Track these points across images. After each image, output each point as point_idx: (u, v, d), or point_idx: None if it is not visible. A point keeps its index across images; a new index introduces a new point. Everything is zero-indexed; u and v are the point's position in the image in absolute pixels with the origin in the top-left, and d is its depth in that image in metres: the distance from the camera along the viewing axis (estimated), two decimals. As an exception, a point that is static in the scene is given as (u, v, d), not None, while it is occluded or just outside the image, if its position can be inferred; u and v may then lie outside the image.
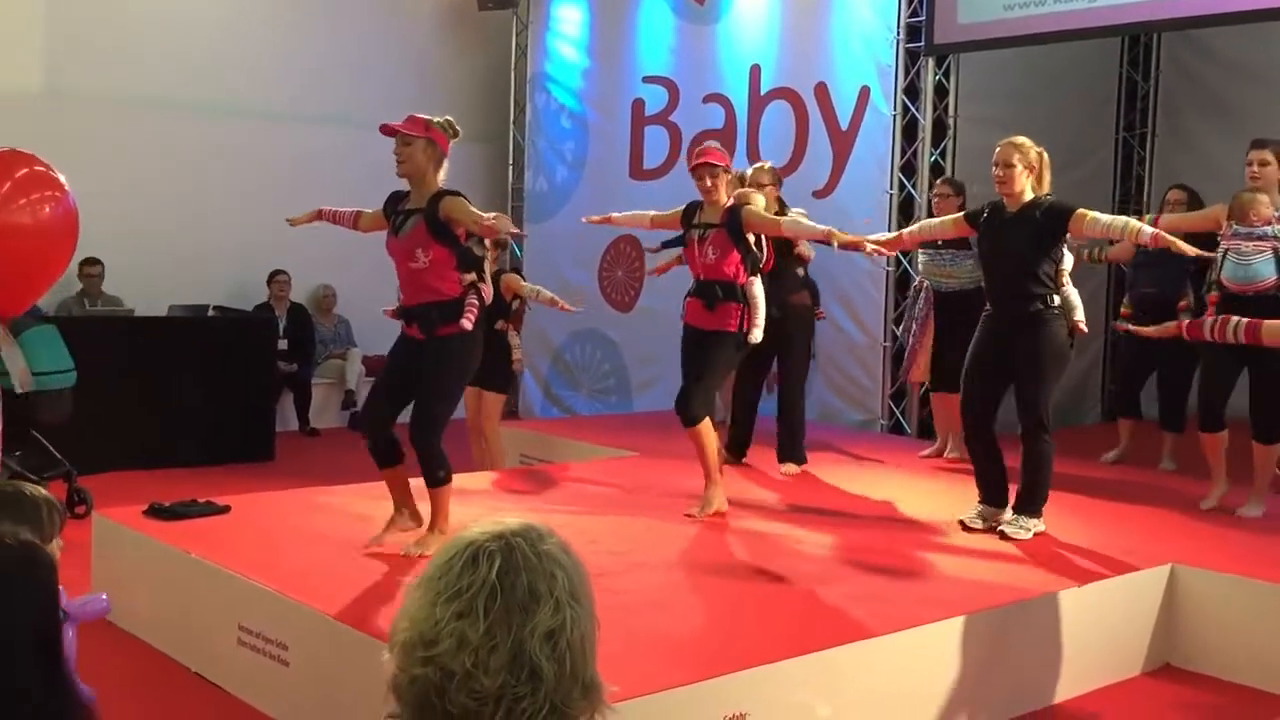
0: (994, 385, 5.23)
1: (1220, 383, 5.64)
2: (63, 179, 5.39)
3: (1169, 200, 6.70)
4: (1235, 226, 5.50)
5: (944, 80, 8.08)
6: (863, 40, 8.28)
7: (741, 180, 6.13)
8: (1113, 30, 7.85)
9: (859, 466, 6.86)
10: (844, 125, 8.38)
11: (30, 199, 5.29)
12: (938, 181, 7.22)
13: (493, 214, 4.43)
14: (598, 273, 10.09)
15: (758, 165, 6.68)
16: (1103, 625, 4.51)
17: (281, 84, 10.14)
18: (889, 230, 7.15)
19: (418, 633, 1.42)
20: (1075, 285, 5.39)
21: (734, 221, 5.28)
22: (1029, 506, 5.17)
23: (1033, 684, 4.31)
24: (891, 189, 8.07)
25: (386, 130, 4.54)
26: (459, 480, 4.87)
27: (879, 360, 8.23)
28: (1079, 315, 5.24)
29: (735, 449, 6.69)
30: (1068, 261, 5.26)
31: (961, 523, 5.30)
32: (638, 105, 9.85)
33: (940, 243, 6.39)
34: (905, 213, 7.92)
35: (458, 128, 4.63)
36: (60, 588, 2.07)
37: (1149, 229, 4.93)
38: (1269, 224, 5.43)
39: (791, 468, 6.57)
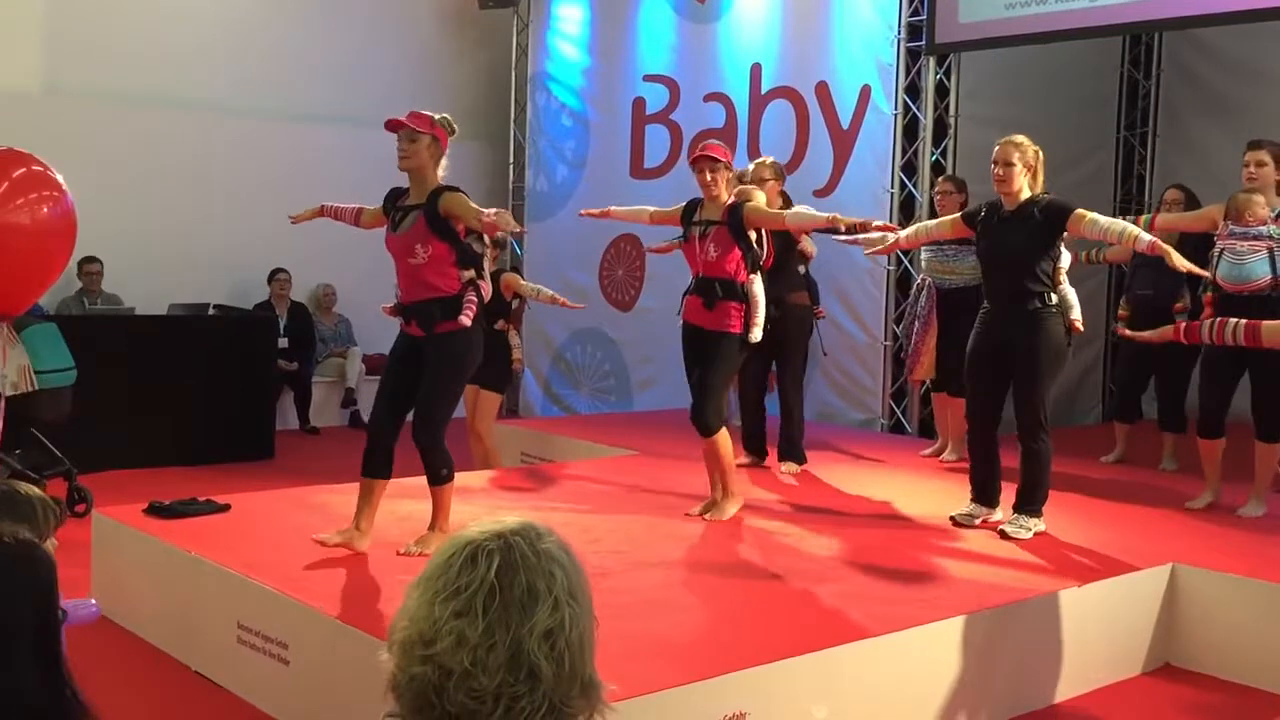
0: (995, 384, 5.24)
1: (1219, 387, 5.64)
2: (60, 178, 5.38)
3: (1166, 200, 6.72)
4: (1231, 226, 5.51)
5: (945, 79, 8.07)
6: (864, 39, 8.27)
7: (740, 179, 6.12)
8: (1114, 30, 7.85)
9: (860, 466, 6.86)
10: (845, 124, 8.37)
11: (28, 199, 5.28)
12: (940, 179, 7.22)
13: (494, 209, 4.43)
14: (598, 272, 10.09)
15: (759, 160, 6.67)
16: (1103, 625, 4.50)
17: (282, 83, 10.13)
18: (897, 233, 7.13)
19: (416, 631, 1.42)
20: (1074, 285, 5.40)
21: (735, 218, 5.26)
22: (1029, 506, 5.18)
23: (1033, 684, 4.30)
24: (892, 188, 8.07)
25: (393, 125, 4.53)
26: (459, 479, 4.86)
27: (880, 359, 8.23)
28: (1076, 314, 5.25)
29: (753, 450, 6.66)
30: (1065, 260, 5.28)
31: (953, 519, 5.34)
32: (638, 104, 9.84)
33: (944, 241, 6.39)
34: (906, 212, 7.91)
35: (455, 125, 4.63)
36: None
37: (1146, 237, 4.92)
38: (1264, 224, 5.44)
39: (792, 467, 6.57)
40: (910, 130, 8.09)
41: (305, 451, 8.88)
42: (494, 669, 1.39)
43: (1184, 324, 5.29)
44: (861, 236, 5.47)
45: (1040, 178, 5.15)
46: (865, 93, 8.23)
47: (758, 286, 5.32)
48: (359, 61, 10.46)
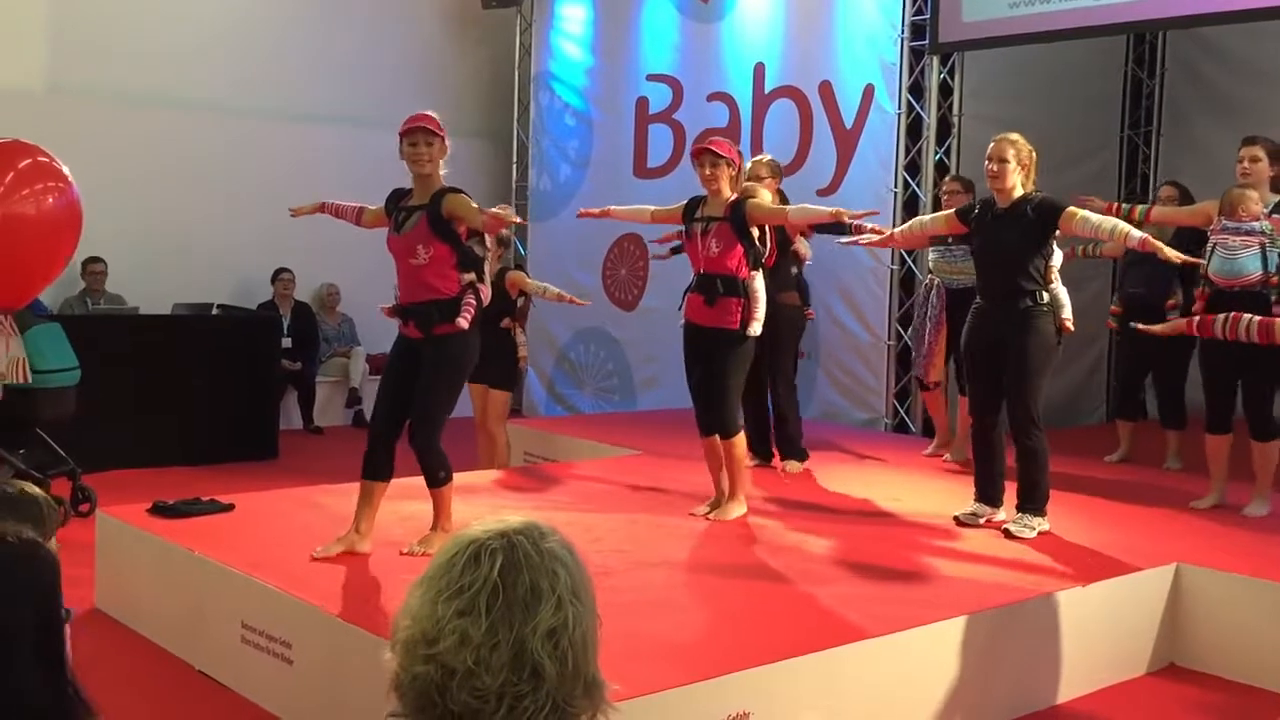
0: (991, 382, 5.27)
1: (1221, 383, 5.64)
2: (66, 170, 5.36)
3: (1161, 197, 6.79)
4: (1224, 221, 5.53)
5: (948, 79, 8.07)
6: (867, 38, 8.27)
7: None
8: (1117, 29, 7.84)
9: (863, 465, 6.85)
10: (848, 124, 8.36)
11: (34, 189, 5.26)
12: (946, 179, 7.21)
13: (494, 208, 4.43)
14: (601, 271, 10.09)
15: (756, 159, 6.66)
16: (1107, 625, 4.50)
17: (285, 82, 10.14)
18: (891, 228, 7.13)
19: (420, 630, 1.42)
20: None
21: (738, 215, 5.26)
22: (1031, 505, 5.19)
23: (1037, 684, 4.30)
24: (896, 188, 8.06)
25: (416, 126, 4.50)
26: (462, 478, 4.87)
27: (883, 359, 8.22)
28: (1067, 313, 5.28)
29: (758, 451, 6.63)
30: (1057, 258, 5.31)
31: (956, 518, 5.34)
32: (642, 103, 9.84)
33: (950, 239, 6.40)
34: (910, 211, 7.89)
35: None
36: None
37: (1137, 233, 4.94)
38: (1257, 220, 5.45)
39: (795, 465, 6.57)
40: (914, 130, 8.08)
41: (309, 451, 8.88)
42: (497, 668, 1.39)
43: (1197, 318, 5.28)
44: (861, 239, 5.58)
45: (1033, 176, 5.19)
46: (869, 92, 8.23)
47: (759, 283, 5.32)
48: (363, 61, 10.47)
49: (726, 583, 4.47)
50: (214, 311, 9.08)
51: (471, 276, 4.56)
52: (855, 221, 5.48)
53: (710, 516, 5.37)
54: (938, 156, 8.01)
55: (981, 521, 5.29)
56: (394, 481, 4.77)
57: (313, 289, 10.34)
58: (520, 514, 1.53)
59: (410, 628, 1.43)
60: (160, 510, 5.10)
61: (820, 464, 6.68)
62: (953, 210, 5.61)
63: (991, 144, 5.19)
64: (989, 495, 5.36)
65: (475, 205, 4.46)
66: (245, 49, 9.95)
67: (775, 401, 6.62)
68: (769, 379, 6.61)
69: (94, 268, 9.03)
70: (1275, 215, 5.51)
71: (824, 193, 8.29)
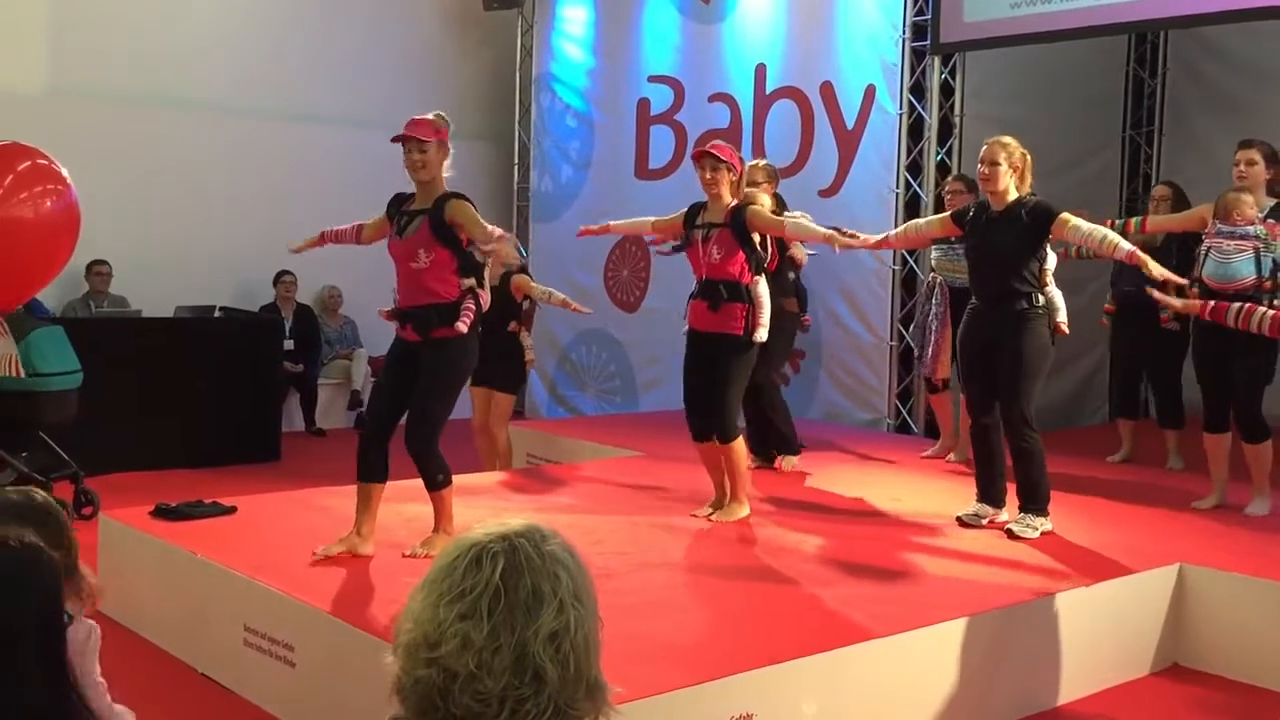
0: (987, 383, 5.28)
1: (1216, 381, 5.64)
2: (65, 172, 5.34)
3: (1155, 196, 6.80)
4: (1219, 225, 5.53)
5: (950, 79, 8.06)
6: (868, 39, 8.27)
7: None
8: (1119, 28, 7.84)
9: (865, 466, 6.85)
10: (849, 124, 8.36)
11: (32, 192, 5.24)
12: (949, 179, 7.20)
13: (499, 233, 4.41)
14: (603, 273, 10.09)
15: (753, 163, 6.63)
16: (1111, 625, 4.49)
17: (287, 84, 10.15)
18: (892, 229, 7.14)
19: (421, 634, 1.42)
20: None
21: (739, 220, 5.25)
22: (1033, 505, 5.20)
23: (1041, 684, 4.29)
24: (897, 188, 8.05)
25: (403, 138, 4.49)
26: (465, 480, 4.87)
27: (885, 359, 8.22)
28: (1061, 316, 5.30)
29: (758, 453, 6.63)
30: (1051, 261, 5.33)
31: (959, 519, 5.34)
32: (643, 105, 9.84)
33: (954, 238, 6.40)
34: (911, 212, 7.89)
35: (448, 119, 4.62)
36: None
37: (1125, 246, 4.96)
38: (1252, 224, 5.45)
39: (791, 460, 6.57)
40: (915, 130, 8.08)
41: (311, 453, 8.88)
42: (499, 672, 1.39)
43: (1212, 302, 5.25)
44: (854, 242, 5.55)
45: (1028, 179, 5.21)
46: (870, 93, 8.22)
47: (762, 288, 5.32)
48: (364, 62, 10.47)
49: (729, 584, 4.47)
50: (216, 314, 9.09)
51: (471, 282, 4.56)
52: (844, 248, 5.45)
53: (713, 518, 5.37)
54: (939, 157, 8.01)
55: (984, 522, 5.30)
56: (397, 483, 4.77)
57: (315, 291, 10.34)
58: (522, 516, 1.53)
59: (412, 631, 1.43)
60: (162, 513, 5.11)
61: (822, 465, 6.68)
62: (948, 214, 5.64)
63: (983, 147, 5.23)
64: (990, 495, 5.37)
65: (481, 219, 4.45)
66: (245, 50, 9.95)
67: (766, 404, 6.62)
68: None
69: (99, 270, 9.04)
70: (1270, 220, 5.50)
71: (826, 193, 8.29)
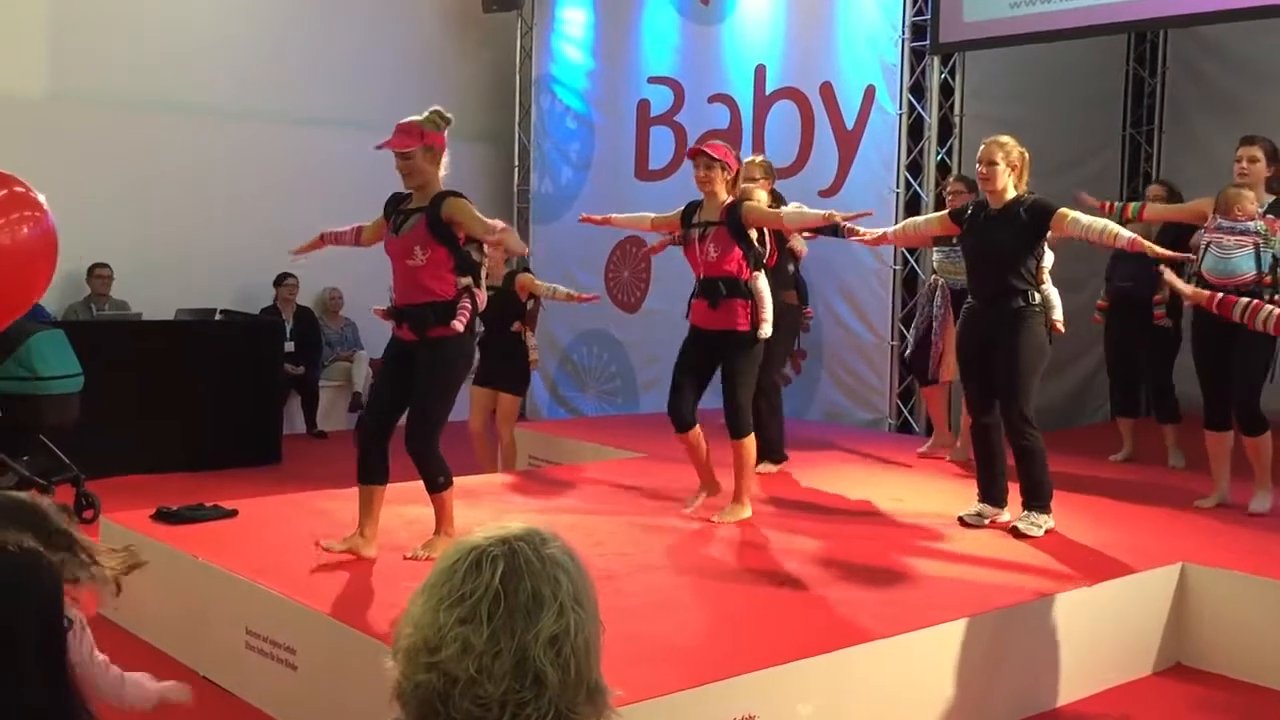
0: (985, 382, 5.29)
1: (1215, 378, 5.64)
2: (42, 198, 5.29)
3: (1149, 196, 6.81)
4: (1219, 220, 5.53)
5: (949, 79, 8.06)
6: (868, 39, 8.27)
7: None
8: (1119, 28, 7.84)
9: (867, 466, 6.85)
10: (849, 125, 8.36)
11: (9, 219, 5.19)
12: (951, 179, 7.20)
13: (502, 226, 4.41)
14: (604, 274, 10.08)
15: (750, 160, 6.61)
16: (1113, 625, 4.49)
17: (287, 86, 10.15)
18: (886, 230, 7.15)
19: (421, 638, 1.42)
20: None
21: (734, 218, 5.26)
22: (1037, 503, 5.19)
23: (1043, 684, 4.29)
24: (897, 188, 8.05)
25: (388, 145, 4.49)
26: (466, 482, 4.86)
27: (886, 359, 8.22)
28: (1058, 314, 5.30)
29: (767, 454, 6.56)
30: (1048, 259, 5.34)
31: (961, 519, 5.34)
32: (643, 106, 9.84)
33: (955, 239, 6.40)
34: (912, 211, 7.88)
35: (447, 115, 4.60)
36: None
37: (1126, 234, 4.97)
38: (1252, 219, 5.45)
39: (768, 467, 6.49)
40: (915, 130, 8.08)
41: (312, 456, 8.88)
42: (499, 676, 1.38)
43: (1220, 295, 5.23)
44: (853, 238, 5.63)
45: (1025, 178, 5.22)
46: (870, 93, 8.22)
47: (762, 283, 5.32)
48: (364, 64, 10.47)
49: (730, 585, 4.46)
50: (217, 317, 9.09)
51: (468, 281, 4.55)
52: (848, 224, 5.47)
53: (715, 519, 5.36)
54: (939, 157, 8.01)
55: (986, 522, 5.29)
56: (399, 485, 4.76)
57: (315, 293, 10.34)
58: (522, 519, 1.53)
59: (412, 635, 1.43)
60: (164, 516, 5.10)
61: (823, 465, 6.67)
62: (946, 212, 5.67)
63: (981, 147, 5.24)
64: (992, 495, 5.37)
65: (479, 214, 4.45)
66: (245, 53, 9.95)
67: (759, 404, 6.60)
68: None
69: (100, 273, 9.05)
70: (1270, 215, 5.50)
71: (826, 194, 8.28)
